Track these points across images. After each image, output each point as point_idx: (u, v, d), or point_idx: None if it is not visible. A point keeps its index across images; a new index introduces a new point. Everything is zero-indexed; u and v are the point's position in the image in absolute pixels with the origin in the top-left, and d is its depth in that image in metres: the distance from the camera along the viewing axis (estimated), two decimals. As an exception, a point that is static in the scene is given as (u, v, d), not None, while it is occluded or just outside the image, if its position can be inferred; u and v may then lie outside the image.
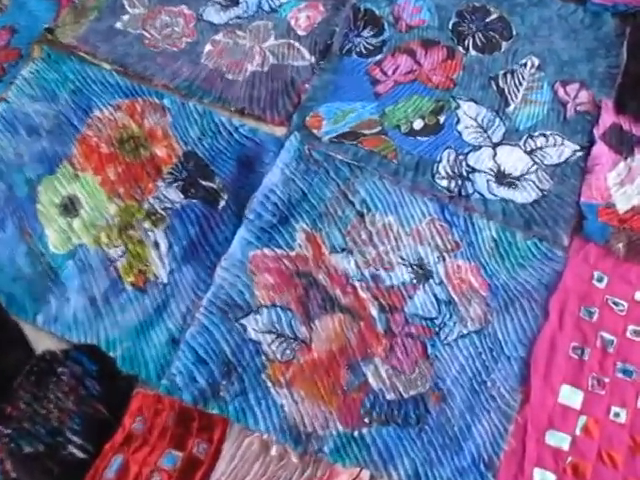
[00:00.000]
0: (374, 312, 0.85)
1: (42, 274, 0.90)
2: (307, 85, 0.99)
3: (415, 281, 0.86)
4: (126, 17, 1.08)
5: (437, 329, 0.84)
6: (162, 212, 0.92)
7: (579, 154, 0.94)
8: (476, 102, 0.98)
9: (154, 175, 0.95)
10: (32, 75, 1.03)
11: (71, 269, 0.90)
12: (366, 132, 0.95)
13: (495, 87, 0.99)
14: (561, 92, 0.99)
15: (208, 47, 1.04)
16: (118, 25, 1.08)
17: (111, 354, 0.85)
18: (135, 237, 0.91)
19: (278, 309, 0.85)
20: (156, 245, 0.90)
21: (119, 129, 0.98)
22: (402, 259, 0.87)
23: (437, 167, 0.93)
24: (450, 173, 0.93)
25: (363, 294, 0.86)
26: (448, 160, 0.93)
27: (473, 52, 1.02)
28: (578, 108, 0.97)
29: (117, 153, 0.96)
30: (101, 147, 0.97)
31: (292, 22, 1.05)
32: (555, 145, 0.95)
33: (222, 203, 0.92)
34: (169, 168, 0.95)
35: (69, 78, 1.03)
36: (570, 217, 0.90)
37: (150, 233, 0.91)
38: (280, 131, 0.97)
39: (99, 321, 0.87)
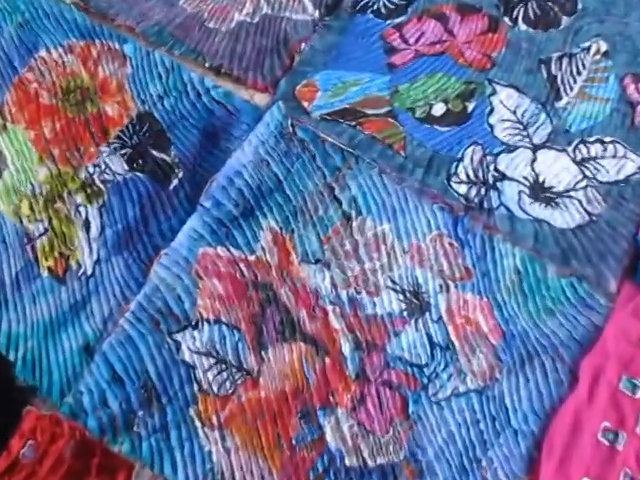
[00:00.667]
0: (346, 348, 0.65)
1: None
2: (304, 45, 0.79)
3: (406, 313, 0.66)
4: (101, -60, 0.90)
5: (425, 381, 0.64)
6: (100, 185, 0.74)
7: (646, 172, 0.73)
8: (518, 90, 0.77)
9: (99, 138, 0.76)
10: (-23, 1, 0.86)
11: (-20, 242, 0.73)
12: (370, 112, 0.75)
13: (545, 73, 0.78)
14: (631, 89, 0.77)
15: (191, -13, 0.85)
16: (90, -52, 0.89)
17: (10, 355, 0.67)
18: (63, 212, 0.73)
19: (223, 327, 0.66)
20: (86, 225, 0.72)
21: (66, 76, 0.80)
22: (393, 282, 0.67)
23: (456, 167, 0.72)
24: (472, 177, 0.72)
25: (335, 322, 0.66)
26: (472, 160, 0.73)
27: (523, 26, 0.81)
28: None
29: (59, 105, 0.78)
30: (41, 96, 0.79)
31: (299, -36, 0.85)
32: (615, 157, 0.73)
33: (174, 182, 0.73)
34: (117, 131, 0.76)
35: (19, 9, 0.84)
36: (623, 254, 0.68)
37: (82, 209, 0.73)
38: (261, 99, 0.77)
39: (3, 310, 0.69)
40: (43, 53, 0.81)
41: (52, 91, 0.79)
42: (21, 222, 0.73)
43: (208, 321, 0.67)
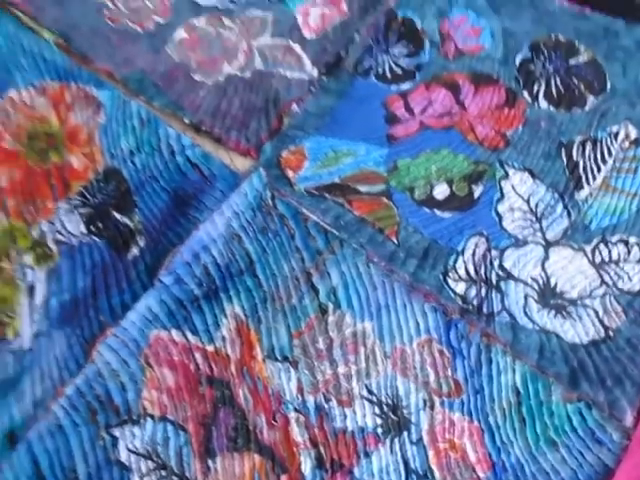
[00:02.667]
0: (307, 465, 0.56)
1: None
2: (296, 106, 0.72)
3: (380, 430, 0.58)
4: (91, -22, 0.85)
5: (396, 516, 0.55)
6: (53, 246, 0.67)
7: (674, 282, 0.64)
8: (533, 175, 0.69)
9: (59, 192, 0.69)
10: (-47, 30, 0.81)
11: None
12: (362, 189, 0.67)
13: (566, 159, 0.70)
14: (663, 182, 0.69)
15: (181, 33, 0.79)
16: (79, -14, 0.84)
17: None
18: (7, 272, 0.66)
19: (169, 426, 0.58)
20: (30, 291, 0.65)
21: (34, 120, 0.74)
22: (369, 392, 0.59)
23: (455, 261, 0.64)
24: (472, 274, 0.64)
25: (297, 433, 0.58)
26: (474, 254, 0.65)
27: (543, 103, 0.74)
28: (685, 211, 0.67)
29: (21, 151, 0.72)
30: (3, 139, 0.72)
31: (300, 19, 0.79)
32: (640, 262, 0.65)
33: (134, 251, 0.66)
34: (80, 186, 0.69)
35: (-5, 42, 0.80)
36: (643, 380, 0.60)
37: (28, 271, 0.66)
38: (242, 164, 0.70)
39: None
40: (13, 93, 0.76)
41: (16, 135, 0.73)
42: (-39, 279, 0.67)
43: (152, 417, 0.59)
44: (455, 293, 0.63)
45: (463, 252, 0.65)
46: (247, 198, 0.66)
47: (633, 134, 0.72)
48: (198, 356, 0.61)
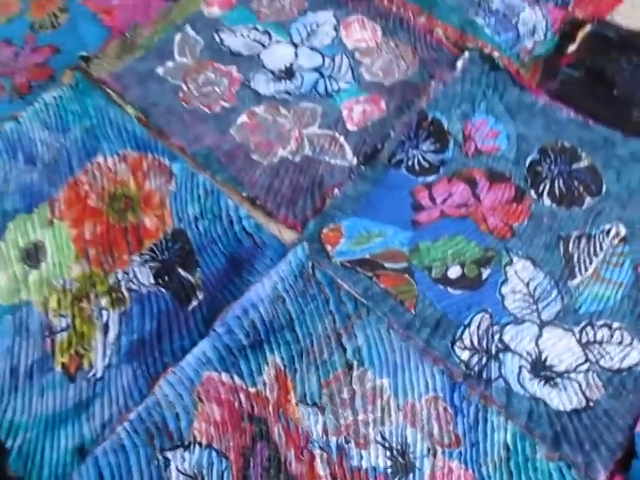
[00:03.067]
0: (327, 496, 0.68)
1: (-26, 320, 0.80)
2: (337, 191, 0.86)
3: (390, 471, 0.69)
4: (170, 64, 1.00)
5: None
6: (125, 292, 0.80)
7: (650, 363, 0.75)
8: (534, 263, 0.81)
9: (133, 247, 0.83)
10: (54, 101, 0.96)
11: (7, 326, 0.79)
12: (388, 266, 0.80)
13: (563, 250, 0.82)
14: (646, 277, 0.81)
15: (243, 118, 0.94)
16: (159, 70, 0.99)
17: (8, 442, 0.72)
18: (86, 312, 0.79)
19: (213, 453, 0.70)
20: (105, 329, 0.78)
21: (116, 184, 0.88)
22: (382, 438, 0.70)
23: (462, 332, 0.76)
24: (476, 344, 0.76)
25: (320, 468, 0.69)
26: (478, 327, 0.77)
27: (547, 200, 0.86)
28: (664, 302, 0.78)
29: (103, 210, 0.86)
30: (89, 198, 0.87)
31: (345, 113, 0.93)
32: (621, 344, 0.76)
33: (194, 303, 0.79)
34: (151, 243, 0.83)
35: (88, 114, 0.95)
36: (617, 446, 0.70)
37: (104, 312, 0.79)
38: (288, 235, 0.83)
39: (12, 397, 0.75)
40: (99, 159, 0.91)
41: (100, 195, 0.88)
42: (47, 314, 0.80)
43: (200, 444, 0.71)
44: (460, 360, 0.75)
45: (469, 325, 0.77)
46: (291, 266, 0.79)
47: (623, 232, 0.84)
48: (242, 396, 0.73)
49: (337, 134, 0.92)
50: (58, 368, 0.76)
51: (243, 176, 0.88)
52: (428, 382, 0.73)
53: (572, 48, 1.00)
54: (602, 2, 1.05)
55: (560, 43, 1.01)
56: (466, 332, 0.77)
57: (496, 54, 0.98)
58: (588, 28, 1.02)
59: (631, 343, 0.76)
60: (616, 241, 0.83)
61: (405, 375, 0.74)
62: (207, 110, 0.95)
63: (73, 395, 0.75)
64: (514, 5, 1.05)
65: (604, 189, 0.88)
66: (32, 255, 0.84)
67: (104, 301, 0.80)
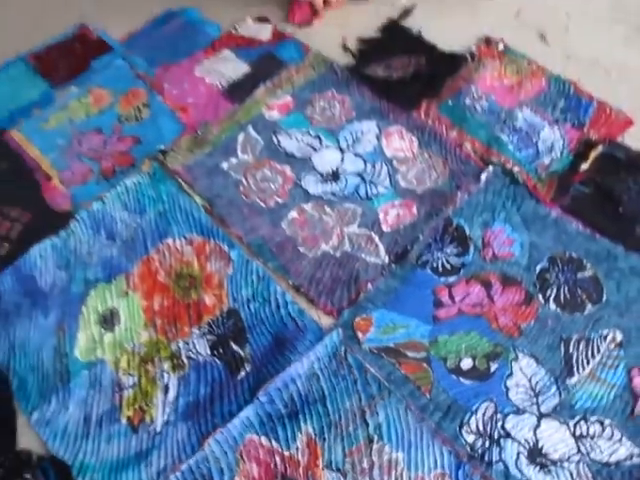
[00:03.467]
0: None
1: (56, 373, 0.96)
2: (370, 285, 1.01)
3: (400, 535, 0.81)
4: (234, 160, 1.18)
5: None
6: (185, 359, 0.95)
7: (637, 460, 0.85)
8: (537, 360, 0.94)
9: (194, 320, 0.99)
10: (133, 186, 1.14)
11: (83, 380, 0.95)
12: (409, 354, 0.93)
13: (563, 351, 0.95)
14: (637, 381, 0.91)
15: (293, 214, 1.10)
16: (224, 165, 1.17)
17: (78, 480, 0.87)
18: (151, 373, 0.94)
19: (251, 506, 0.84)
20: (165, 390, 0.93)
21: (182, 263, 1.04)
22: (395, 505, 0.83)
23: (469, 418, 0.89)
24: (481, 430, 0.88)
25: (340, 526, 0.82)
26: (484, 414, 0.89)
27: (552, 305, 0.99)
28: (652, 407, 0.90)
29: (170, 286, 1.02)
30: (159, 274, 1.03)
31: (381, 215, 1.09)
32: (611, 439, 0.87)
33: (242, 374, 0.93)
34: (209, 319, 0.99)
35: (162, 199, 1.12)
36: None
37: (165, 375, 0.94)
38: (326, 322, 0.98)
39: (83, 441, 0.90)
40: (169, 240, 1.07)
41: (168, 272, 1.04)
42: (117, 372, 0.95)
43: (240, 497, 0.84)
44: (466, 442, 0.87)
45: (476, 412, 0.89)
46: (327, 349, 0.94)
47: (619, 338, 0.96)
48: (277, 458, 0.86)
49: (373, 234, 1.07)
50: (124, 420, 0.91)
51: (290, 266, 1.04)
52: (437, 459, 0.85)
53: (584, 167, 1.14)
54: (614, 124, 1.20)
55: (574, 161, 1.15)
56: (473, 418, 0.89)
57: (516, 169, 1.13)
58: (600, 149, 1.16)
59: (620, 439, 0.87)
60: (612, 346, 0.95)
61: (418, 451, 0.86)
62: (263, 204, 1.12)
63: (135, 445, 0.89)
64: (536, 124, 1.20)
65: (604, 298, 1.00)
66: (108, 320, 1.00)
67: (166, 365, 0.95)
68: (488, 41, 1.35)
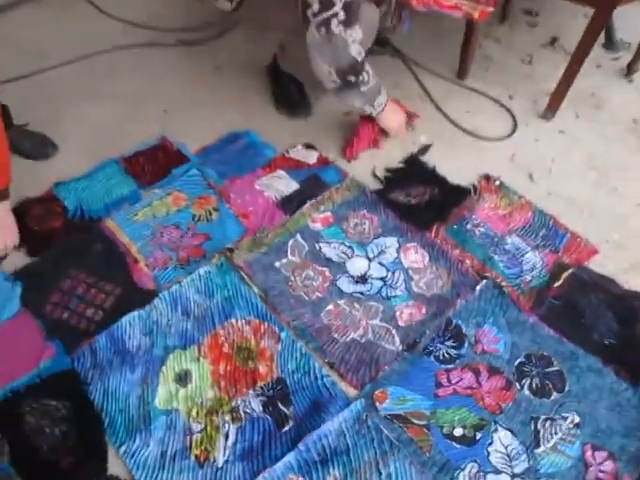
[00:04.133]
0: None
1: (140, 417, 1.24)
2: (387, 367, 1.31)
3: None
4: (284, 260, 1.51)
5: None
6: (242, 414, 1.24)
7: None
8: (513, 433, 1.22)
9: (250, 384, 1.28)
10: (205, 274, 1.46)
11: (161, 423, 1.23)
12: (414, 421, 1.23)
13: (533, 427, 1.23)
14: (589, 454, 1.19)
15: (330, 306, 1.42)
16: (277, 264, 1.50)
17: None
18: (215, 422, 1.23)
19: (290, 532, 1.11)
20: (226, 436, 1.21)
21: (242, 339, 1.35)
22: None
23: (458, 474, 1.17)
24: (467, 483, 1.16)
25: None
26: (470, 472, 1.17)
27: (527, 391, 1.28)
28: (599, 475, 1.17)
29: (232, 356, 1.32)
30: (224, 346, 1.34)
31: (397, 313, 1.40)
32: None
33: (286, 427, 1.22)
34: (262, 383, 1.28)
35: (227, 287, 1.44)
36: None
37: (226, 425, 1.22)
38: (352, 392, 1.28)
39: (160, 472, 1.18)
40: (233, 320, 1.38)
41: (231, 345, 1.34)
42: (188, 420, 1.24)
43: (280, 527, 1.12)
44: (455, 493, 1.15)
45: (464, 469, 1.18)
46: (352, 414, 1.23)
47: (577, 420, 1.24)
48: (312, 496, 1.14)
49: (391, 327, 1.38)
50: (192, 458, 1.19)
51: (326, 347, 1.34)
52: (434, 505, 1.13)
53: (557, 284, 1.46)
54: (583, 252, 1.53)
55: (549, 279, 1.47)
56: (461, 474, 1.17)
57: (504, 283, 1.45)
58: (570, 271, 1.48)
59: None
60: (571, 425, 1.24)
61: (418, 499, 1.14)
62: (306, 297, 1.43)
63: (201, 477, 1.17)
64: (521, 248, 1.54)
65: (567, 388, 1.29)
66: (183, 378, 1.30)
67: (227, 417, 1.24)
68: (487, 178, 1.71)
